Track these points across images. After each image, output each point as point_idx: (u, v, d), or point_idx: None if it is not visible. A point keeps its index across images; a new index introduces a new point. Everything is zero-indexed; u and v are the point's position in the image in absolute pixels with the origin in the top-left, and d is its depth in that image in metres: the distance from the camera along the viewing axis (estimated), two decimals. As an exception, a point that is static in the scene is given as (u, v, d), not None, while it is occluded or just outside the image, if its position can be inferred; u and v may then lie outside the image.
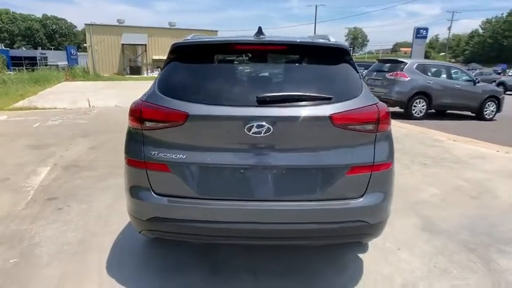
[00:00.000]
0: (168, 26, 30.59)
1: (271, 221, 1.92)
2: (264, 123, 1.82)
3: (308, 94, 1.92)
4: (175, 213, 1.98)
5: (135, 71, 27.95)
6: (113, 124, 7.53)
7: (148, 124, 1.96)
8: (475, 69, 34.63)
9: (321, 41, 2.22)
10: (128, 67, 28.35)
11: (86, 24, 29.41)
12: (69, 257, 2.52)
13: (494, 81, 23.69)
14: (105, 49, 28.22)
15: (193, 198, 1.95)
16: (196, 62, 2.15)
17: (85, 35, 29.55)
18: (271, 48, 2.16)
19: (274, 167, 1.91)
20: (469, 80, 10.12)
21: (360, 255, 2.59)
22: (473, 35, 73.21)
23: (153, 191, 1.99)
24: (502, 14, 67.67)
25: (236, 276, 2.33)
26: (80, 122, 7.78)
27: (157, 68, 28.76)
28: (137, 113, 1.99)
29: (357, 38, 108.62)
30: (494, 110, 10.12)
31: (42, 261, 2.47)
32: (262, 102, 1.86)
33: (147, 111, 1.96)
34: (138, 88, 16.37)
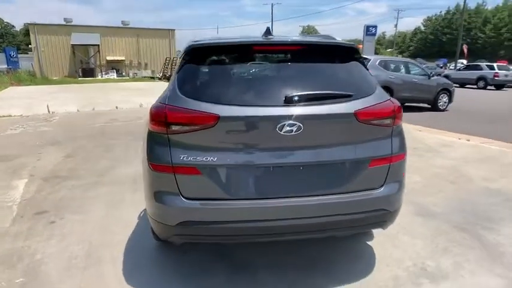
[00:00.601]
0: (122, 25, 29.33)
1: (303, 215, 2.00)
2: (295, 122, 1.89)
3: (332, 92, 2.02)
4: (207, 216, 1.98)
5: (88, 73, 26.44)
6: (80, 130, 7.17)
7: (174, 128, 1.94)
8: (422, 64, 37.14)
9: (334, 40, 2.32)
10: (80, 69, 26.74)
11: (28, 24, 27.28)
12: (81, 272, 2.41)
13: (439, 74, 25.59)
14: (53, 50, 26.38)
15: (225, 199, 1.96)
16: (217, 63, 2.16)
17: (25, 36, 27.29)
18: (288, 49, 2.22)
19: (304, 164, 1.98)
20: (424, 74, 10.90)
21: (369, 243, 2.75)
22: (416, 32, 78.31)
23: (182, 195, 1.98)
24: (441, 12, 73.15)
25: (261, 272, 2.38)
26: (44, 130, 7.29)
27: (113, 69, 27.51)
28: (161, 117, 1.96)
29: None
30: (447, 101, 10.99)
31: (53, 279, 2.34)
32: (291, 101, 1.93)
33: (174, 114, 1.93)
34: (97, 91, 15.68)
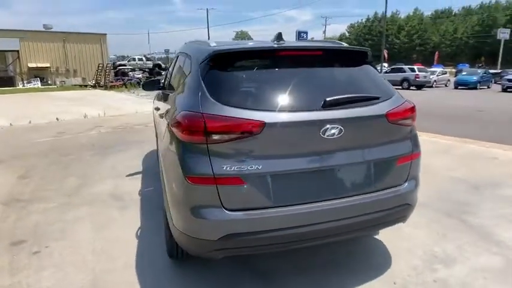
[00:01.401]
0: (43, 29, 26.74)
1: (344, 216, 2.04)
2: (337, 125, 1.93)
3: (365, 95, 2.10)
4: (251, 227, 1.92)
5: (7, 82, 23.49)
6: (24, 147, 6.37)
7: (215, 137, 1.85)
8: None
9: (352, 46, 2.42)
10: (-4, 78, 23.80)
11: None
12: (97, 303, 2.16)
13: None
14: (-40, 58, 23.12)
15: (269, 207, 1.92)
16: (246, 68, 2.11)
17: None
18: (312, 54, 2.26)
19: (346, 165, 2.03)
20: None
21: (377, 238, 2.89)
22: (341, 38, 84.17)
23: (224, 207, 1.89)
24: (362, 19, 79.73)
25: (290, 276, 2.37)
26: (-24, 148, 6.34)
27: (36, 77, 24.91)
28: (199, 126, 1.85)
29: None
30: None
31: (66, 315, 2.06)
32: (329, 105, 1.96)
33: (215, 123, 1.84)
34: (25, 101, 14.05)
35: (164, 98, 3.38)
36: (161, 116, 3.05)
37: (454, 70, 35.64)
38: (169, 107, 2.73)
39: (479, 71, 26.77)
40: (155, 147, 5.83)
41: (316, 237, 2.07)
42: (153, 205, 3.62)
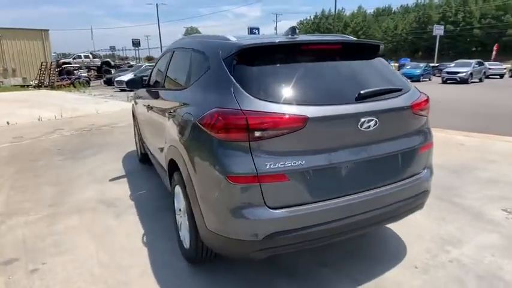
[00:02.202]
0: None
1: (379, 206, 2.09)
2: (372, 117, 1.96)
3: (391, 87, 2.16)
4: (295, 223, 1.89)
5: None
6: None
7: (258, 134, 1.79)
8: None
9: (366, 40, 2.46)
10: None
11: None
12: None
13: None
14: None
15: (312, 202, 1.91)
16: (275, 63, 2.05)
17: None
18: (334, 48, 2.26)
19: (379, 157, 2.07)
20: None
21: (387, 226, 3.00)
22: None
23: (267, 205, 1.84)
24: (310, 16, 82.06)
25: (314, 269, 2.38)
26: None
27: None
28: (240, 123, 1.78)
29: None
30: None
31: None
32: (363, 97, 1.99)
33: (257, 119, 1.78)
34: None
35: (160, 96, 3.21)
36: (162, 113, 2.90)
37: (396, 64, 37.97)
38: (176, 104, 2.60)
39: (421, 64, 28.81)
40: (132, 149, 5.55)
41: (355, 229, 2.10)
42: (150, 209, 3.44)
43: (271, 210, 1.84)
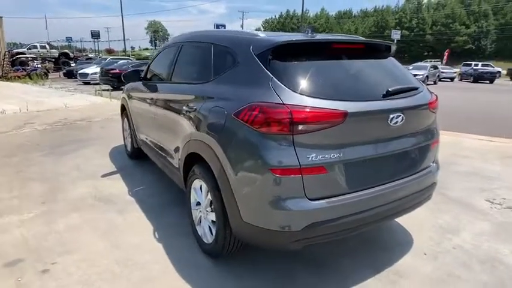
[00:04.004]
0: None
1: (402, 196, 2.23)
2: (400, 113, 2.08)
3: (412, 85, 2.30)
4: (332, 214, 1.96)
5: None
6: None
7: (301, 127, 1.84)
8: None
9: (382, 41, 2.58)
10: None
11: None
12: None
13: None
14: None
15: (346, 193, 2.00)
16: (308, 59, 2.10)
17: None
18: (358, 47, 2.36)
19: (403, 150, 2.21)
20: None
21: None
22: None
23: (306, 196, 1.90)
24: (275, 16, 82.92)
25: (332, 260, 2.48)
26: None
27: None
28: (284, 117, 1.82)
29: (158, 31, 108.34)
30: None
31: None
32: (391, 94, 2.10)
33: (301, 114, 1.83)
34: None
35: (167, 90, 3.16)
36: (173, 107, 2.88)
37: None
38: (193, 98, 2.58)
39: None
40: (117, 144, 5.36)
41: (382, 218, 2.22)
42: (153, 205, 3.36)
43: (310, 201, 1.91)
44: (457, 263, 2.48)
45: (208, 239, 2.46)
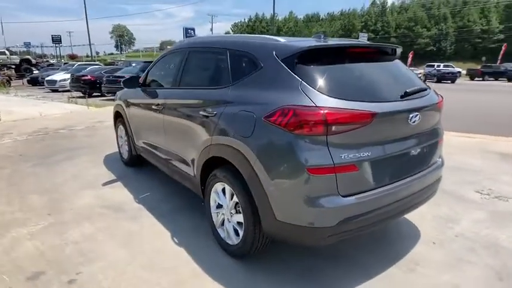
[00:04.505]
0: None
1: (418, 189, 2.41)
2: (418, 112, 2.26)
3: (423, 87, 2.49)
4: (362, 209, 2.09)
5: None
6: None
7: (334, 128, 1.96)
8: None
9: (391, 45, 2.76)
10: None
11: None
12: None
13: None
14: None
15: (373, 189, 2.14)
16: (333, 63, 2.23)
17: None
18: (374, 51, 2.54)
19: (419, 147, 2.39)
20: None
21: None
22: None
23: (339, 193, 2.02)
24: (244, 19, 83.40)
25: (350, 254, 2.63)
26: None
27: None
28: (318, 119, 1.94)
29: (123, 35, 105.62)
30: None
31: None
32: (408, 95, 2.28)
33: (335, 115, 1.95)
34: None
35: (177, 96, 3.18)
36: (187, 113, 2.92)
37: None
38: (211, 103, 2.63)
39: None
40: (109, 152, 5.26)
41: (403, 211, 2.39)
42: (163, 210, 3.37)
43: (342, 198, 2.03)
44: (464, 249, 2.69)
45: (234, 240, 2.52)
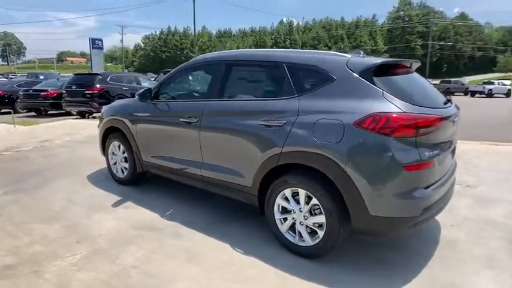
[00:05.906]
0: None
1: (453, 181, 2.91)
2: (456, 117, 2.77)
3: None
4: (433, 198, 2.48)
5: None
6: None
7: (422, 131, 2.32)
8: (152, 77, 40.45)
9: (413, 60, 3.24)
10: None
11: None
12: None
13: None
14: None
15: (437, 181, 2.55)
16: (399, 75, 2.65)
17: None
18: (410, 66, 2.97)
19: (454, 146, 2.89)
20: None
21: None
22: (137, 48, 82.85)
23: (422, 186, 2.37)
24: (156, 32, 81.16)
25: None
26: None
27: None
28: (411, 123, 2.28)
29: (11, 44, 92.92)
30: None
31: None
32: (447, 103, 2.77)
33: (422, 120, 2.32)
34: None
35: (217, 107, 3.18)
36: (227, 123, 3.05)
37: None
38: (269, 111, 2.76)
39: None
40: (90, 172, 4.79)
41: (448, 200, 2.83)
42: (203, 224, 3.30)
43: (423, 189, 2.39)
44: (476, 228, 3.29)
45: (309, 241, 2.65)
